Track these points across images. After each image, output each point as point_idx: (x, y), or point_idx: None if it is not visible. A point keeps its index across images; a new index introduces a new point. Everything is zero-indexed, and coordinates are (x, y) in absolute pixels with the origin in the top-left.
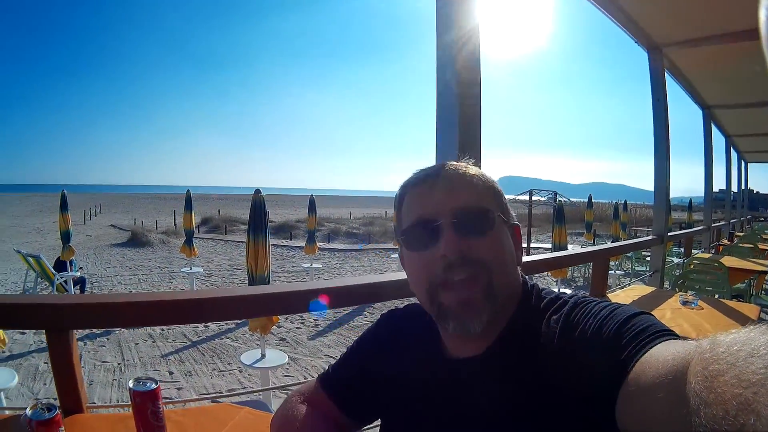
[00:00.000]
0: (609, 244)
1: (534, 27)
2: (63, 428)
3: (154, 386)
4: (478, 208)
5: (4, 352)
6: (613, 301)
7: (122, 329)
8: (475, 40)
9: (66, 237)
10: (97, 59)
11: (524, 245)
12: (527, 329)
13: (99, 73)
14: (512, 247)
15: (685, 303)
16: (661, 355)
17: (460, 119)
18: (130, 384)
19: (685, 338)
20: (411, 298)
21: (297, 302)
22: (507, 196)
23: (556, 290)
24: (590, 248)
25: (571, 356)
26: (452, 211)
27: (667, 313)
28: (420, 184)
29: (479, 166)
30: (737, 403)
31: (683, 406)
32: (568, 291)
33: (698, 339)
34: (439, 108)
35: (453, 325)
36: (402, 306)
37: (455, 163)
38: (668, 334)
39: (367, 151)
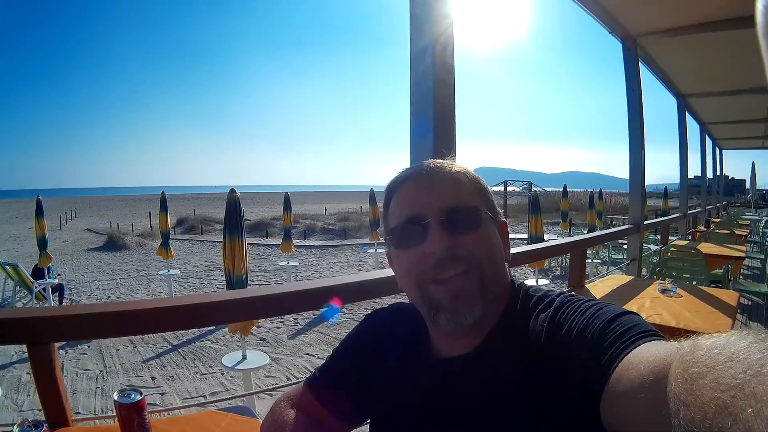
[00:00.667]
0: (586, 235)
1: (508, 18)
2: None
3: (139, 397)
4: (466, 205)
5: None
6: (591, 291)
7: None
8: (449, 32)
9: (43, 243)
10: (67, 60)
11: None
12: (515, 328)
13: (69, 74)
14: (500, 244)
15: (663, 291)
16: (643, 355)
17: (434, 112)
18: (115, 396)
19: (667, 339)
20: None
21: (271, 306)
22: None
23: (543, 288)
24: (568, 239)
25: (557, 355)
26: (440, 208)
27: (647, 302)
28: (407, 183)
29: (455, 158)
30: (715, 406)
31: (663, 407)
32: (554, 288)
33: (680, 341)
34: (413, 101)
35: (445, 319)
36: (386, 305)
37: (440, 161)
38: (652, 334)
39: (342, 145)
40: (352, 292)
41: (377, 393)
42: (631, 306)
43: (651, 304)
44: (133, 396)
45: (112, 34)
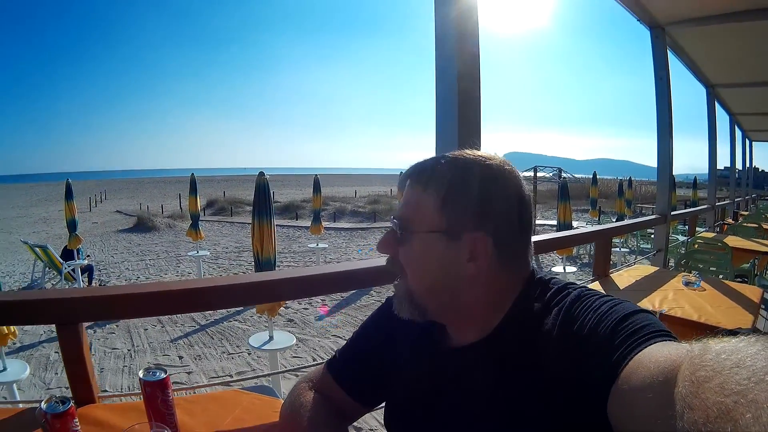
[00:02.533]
0: (611, 224)
1: (538, 2)
2: (77, 420)
3: (163, 375)
4: (403, 217)
5: (15, 343)
6: (615, 280)
7: None
8: (474, 19)
9: (72, 225)
10: (96, 43)
11: None
12: (528, 318)
13: (99, 57)
14: (439, 260)
15: (687, 284)
16: (653, 355)
17: (459, 99)
18: (140, 374)
19: (679, 340)
20: None
21: (295, 289)
22: None
23: (563, 280)
24: (593, 228)
25: (569, 348)
26: (396, 215)
27: (670, 293)
28: (404, 181)
29: (479, 144)
30: (718, 410)
31: (670, 408)
32: (575, 278)
33: (691, 343)
34: (438, 89)
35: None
36: None
37: (434, 160)
38: (663, 335)
39: (373, 128)
40: (372, 277)
41: (393, 376)
42: (654, 298)
43: (674, 297)
44: (158, 374)
45: (144, 18)
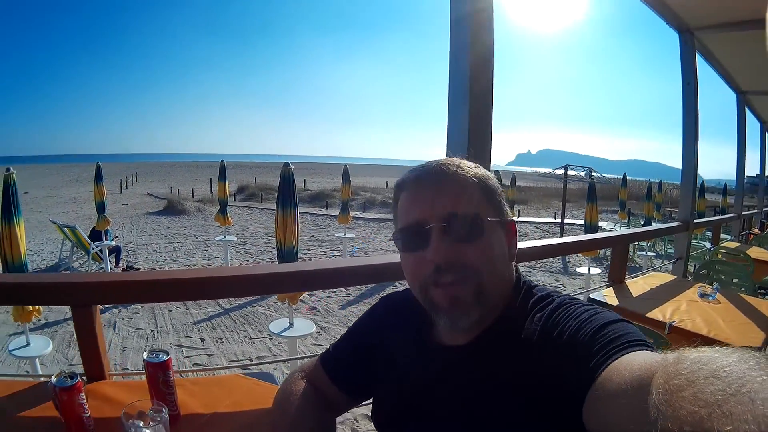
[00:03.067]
0: (629, 230)
1: (565, 3)
2: (83, 394)
3: (165, 358)
4: (468, 213)
5: (40, 320)
6: (630, 288)
7: None
8: (489, 11)
9: (101, 207)
10: (131, 27)
11: (557, 221)
12: (512, 324)
13: (134, 41)
14: (504, 248)
15: (702, 295)
16: (630, 363)
17: (470, 98)
18: (144, 355)
19: (655, 350)
20: None
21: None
22: (543, 170)
23: (548, 288)
24: (610, 233)
25: (548, 354)
26: (442, 216)
27: (683, 305)
28: (414, 184)
29: (489, 144)
30: (692, 420)
31: (643, 415)
32: (600, 280)
33: (666, 352)
34: (450, 88)
35: (443, 321)
36: (401, 290)
37: (450, 160)
38: (640, 344)
39: (404, 120)
40: (392, 272)
41: (383, 372)
42: (666, 308)
43: (686, 308)
44: (160, 356)
45: (178, 6)
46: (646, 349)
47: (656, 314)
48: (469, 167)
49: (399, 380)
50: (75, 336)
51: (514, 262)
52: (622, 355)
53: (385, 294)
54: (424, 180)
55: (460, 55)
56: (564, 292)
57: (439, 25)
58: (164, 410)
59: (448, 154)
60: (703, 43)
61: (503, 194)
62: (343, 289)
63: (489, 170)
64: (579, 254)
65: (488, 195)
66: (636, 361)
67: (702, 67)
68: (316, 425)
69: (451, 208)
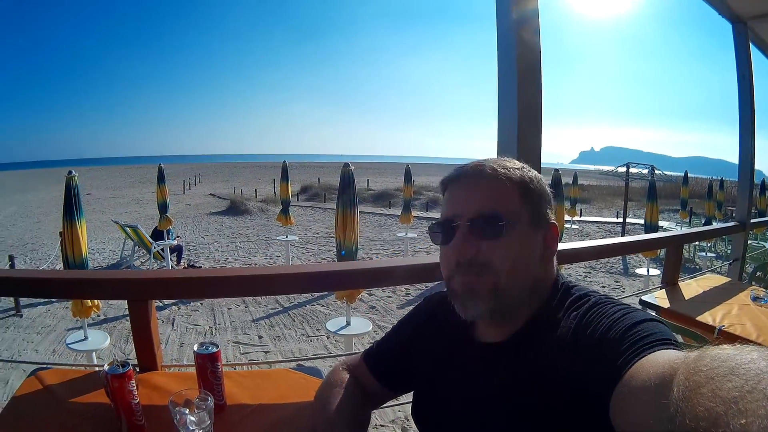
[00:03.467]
0: (682, 230)
1: None
2: (134, 382)
3: (214, 350)
4: (491, 213)
5: (99, 315)
6: (683, 290)
7: None
8: (535, 14)
9: (163, 208)
10: (192, 29)
11: (619, 221)
12: (548, 323)
13: (195, 43)
14: (532, 248)
15: (755, 299)
16: (655, 361)
17: (519, 100)
18: (195, 348)
19: (681, 349)
20: None
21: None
22: (606, 168)
23: (586, 288)
24: (662, 234)
25: (580, 352)
26: (469, 213)
27: (734, 308)
28: (454, 182)
29: (539, 144)
30: (708, 416)
31: (665, 410)
32: (659, 281)
33: (691, 350)
34: (499, 87)
35: (457, 307)
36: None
37: (493, 160)
38: (667, 343)
39: (469, 116)
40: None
41: (422, 367)
42: (717, 312)
43: (737, 312)
44: (210, 348)
45: (241, 5)
46: (673, 348)
47: (706, 318)
48: (512, 168)
49: (438, 377)
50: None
51: (555, 263)
52: (649, 353)
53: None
54: (462, 179)
55: (508, 52)
56: (602, 293)
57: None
58: (210, 399)
59: (498, 154)
60: (756, 33)
61: (547, 197)
62: (402, 288)
63: (539, 170)
64: (640, 255)
65: (526, 196)
66: (661, 359)
67: (757, 57)
68: (352, 416)
69: (478, 207)
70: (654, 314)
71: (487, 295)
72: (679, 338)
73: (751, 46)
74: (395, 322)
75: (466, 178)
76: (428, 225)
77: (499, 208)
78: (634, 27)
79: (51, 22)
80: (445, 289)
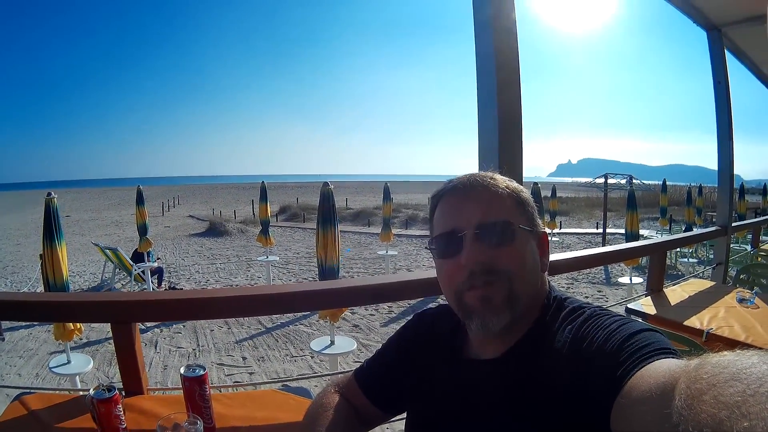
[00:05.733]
0: (665, 237)
1: (600, 5)
2: (121, 407)
3: (201, 372)
4: (499, 220)
5: (81, 339)
6: (668, 296)
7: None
8: (511, 16)
9: (143, 230)
10: (170, 51)
11: (599, 231)
12: (543, 337)
13: (171, 63)
14: (535, 256)
15: (741, 300)
16: (655, 371)
17: (499, 111)
18: (182, 370)
19: (680, 357)
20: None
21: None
22: (584, 179)
23: (579, 300)
24: (646, 242)
25: (577, 365)
26: (475, 223)
27: (721, 311)
28: (449, 195)
29: (520, 156)
30: (712, 422)
31: (666, 420)
32: (642, 289)
33: (690, 358)
34: (480, 102)
35: (476, 324)
36: (434, 306)
37: (483, 174)
38: (666, 352)
39: (445, 133)
40: (425, 287)
41: (415, 386)
42: (704, 315)
43: (724, 315)
44: (197, 371)
45: (216, 26)
46: (672, 357)
47: (694, 322)
48: (502, 179)
49: (432, 395)
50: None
51: (546, 276)
52: (648, 363)
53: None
54: (458, 190)
55: (486, 65)
56: (596, 305)
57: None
58: (199, 422)
59: (480, 168)
60: (731, 40)
61: (535, 207)
62: (385, 306)
63: (521, 182)
64: (621, 264)
65: (520, 206)
66: (660, 368)
67: (732, 64)
68: None
69: (483, 216)
70: (647, 323)
71: (503, 304)
72: None
73: (726, 52)
74: (379, 340)
75: (463, 189)
76: (409, 241)
77: (505, 215)
78: (608, 39)
79: (28, 44)
80: (435, 305)
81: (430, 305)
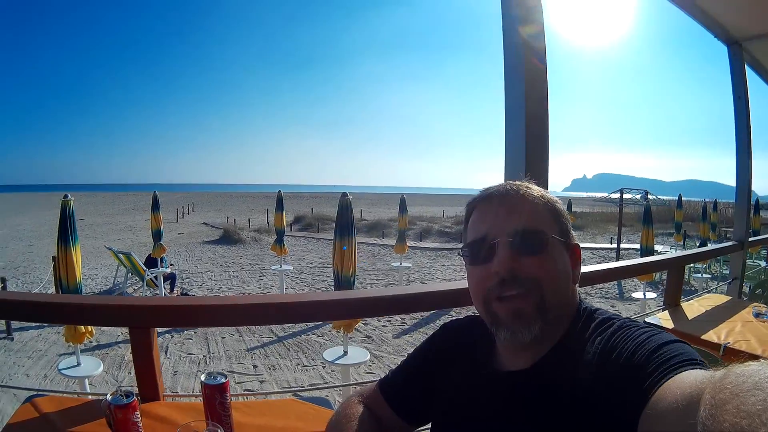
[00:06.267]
0: (682, 252)
1: (614, 20)
2: (138, 413)
3: (223, 380)
4: (533, 229)
5: (91, 342)
6: (685, 310)
7: None
8: (542, 41)
9: (157, 235)
10: (186, 57)
11: (614, 246)
12: (573, 348)
13: (188, 72)
14: (567, 267)
15: (758, 315)
16: (683, 381)
17: (527, 125)
18: (202, 378)
19: (708, 368)
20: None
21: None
22: (599, 194)
23: (609, 312)
24: (663, 256)
25: (606, 377)
26: (509, 231)
27: (737, 325)
28: (484, 202)
29: (546, 168)
30: (734, 431)
31: (692, 430)
32: (655, 304)
33: (717, 369)
34: (507, 112)
35: (504, 335)
36: (462, 317)
37: (519, 183)
38: (694, 363)
39: (462, 147)
40: (439, 299)
41: (442, 398)
42: (721, 330)
43: (741, 329)
44: (218, 379)
45: (236, 36)
46: (699, 368)
47: (711, 336)
48: (538, 189)
49: (458, 406)
50: (125, 358)
51: (577, 288)
52: (676, 374)
53: (441, 321)
54: (494, 198)
55: (515, 79)
56: (625, 316)
57: (494, 49)
58: (219, 431)
59: (506, 179)
60: (752, 55)
61: (569, 219)
62: (398, 318)
63: None
64: (635, 279)
65: (555, 216)
66: (688, 379)
67: (753, 79)
68: None
69: (517, 224)
70: (674, 336)
71: (534, 314)
72: None
73: (747, 67)
74: (391, 351)
75: (499, 197)
76: (423, 253)
77: (539, 225)
78: (624, 53)
79: (47, 46)
80: (464, 317)
81: (450, 316)
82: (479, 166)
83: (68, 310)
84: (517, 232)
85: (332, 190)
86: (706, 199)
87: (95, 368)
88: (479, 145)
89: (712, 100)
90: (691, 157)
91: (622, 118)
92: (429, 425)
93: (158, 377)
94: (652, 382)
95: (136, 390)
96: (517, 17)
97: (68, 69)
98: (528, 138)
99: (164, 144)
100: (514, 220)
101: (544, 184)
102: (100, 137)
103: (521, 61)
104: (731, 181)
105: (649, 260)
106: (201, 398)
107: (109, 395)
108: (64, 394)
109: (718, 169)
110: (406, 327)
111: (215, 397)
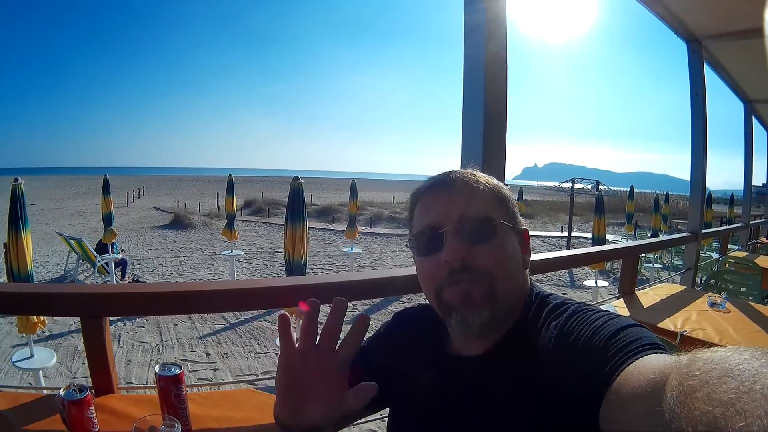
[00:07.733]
0: (639, 241)
1: (574, 13)
2: (93, 408)
3: (178, 371)
4: (481, 216)
5: (44, 332)
6: (640, 299)
7: None
8: (502, 21)
9: (108, 220)
10: (139, 37)
11: (564, 235)
12: (528, 333)
13: (141, 52)
14: (517, 252)
15: (712, 305)
16: (644, 367)
17: (485, 111)
18: (156, 369)
19: (669, 353)
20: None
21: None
22: (550, 183)
23: (562, 297)
24: (620, 245)
25: (563, 362)
26: (456, 219)
27: (693, 314)
28: (429, 192)
29: (504, 155)
30: (706, 420)
31: (658, 417)
32: (607, 293)
33: (680, 354)
34: (464, 98)
35: (455, 320)
36: (415, 306)
37: (464, 171)
38: (655, 347)
39: (413, 134)
40: (397, 286)
41: (398, 385)
42: (677, 318)
43: (697, 318)
44: (173, 370)
45: (186, 17)
46: (661, 353)
47: (667, 324)
48: (483, 176)
49: (416, 394)
50: (78, 348)
51: (528, 273)
52: (637, 359)
53: (391, 309)
54: (439, 187)
55: (475, 65)
56: (579, 301)
57: (450, 35)
58: (177, 425)
59: (462, 166)
60: (710, 53)
61: (516, 204)
62: (349, 304)
63: (503, 181)
64: (586, 267)
65: (501, 202)
66: (650, 364)
67: (709, 76)
68: None
69: (463, 212)
70: (633, 319)
71: (484, 301)
72: None
73: (705, 65)
74: (342, 337)
75: (444, 185)
76: (373, 238)
77: (486, 211)
78: (583, 46)
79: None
80: (416, 305)
81: (402, 303)
82: (432, 152)
83: (18, 300)
84: (465, 220)
85: (283, 173)
86: (658, 191)
87: (49, 359)
88: (432, 132)
89: (667, 96)
90: (643, 150)
91: (575, 110)
92: (387, 411)
93: (112, 369)
94: (613, 367)
95: (89, 383)
96: (479, 1)
97: (15, 49)
98: (486, 125)
99: (115, 127)
100: (460, 208)
101: (501, 172)
102: (50, 120)
103: (482, 48)
104: (683, 174)
105: (606, 248)
106: (156, 390)
107: (62, 390)
108: (18, 390)
109: (670, 163)
110: (357, 314)
111: (170, 388)
